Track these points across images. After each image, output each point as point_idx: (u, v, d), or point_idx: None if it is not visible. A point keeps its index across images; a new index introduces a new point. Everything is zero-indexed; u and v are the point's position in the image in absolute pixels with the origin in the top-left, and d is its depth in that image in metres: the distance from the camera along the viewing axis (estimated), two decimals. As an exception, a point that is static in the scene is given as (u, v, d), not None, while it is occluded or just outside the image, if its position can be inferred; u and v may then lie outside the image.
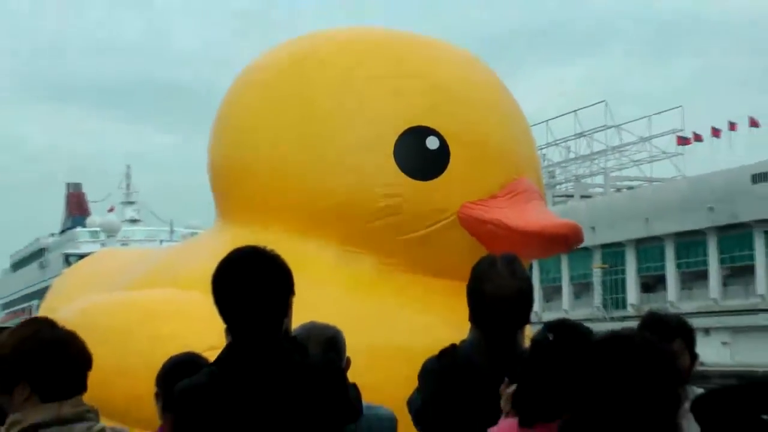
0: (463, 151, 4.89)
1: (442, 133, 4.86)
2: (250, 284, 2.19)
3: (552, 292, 46.86)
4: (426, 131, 4.86)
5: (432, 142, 4.85)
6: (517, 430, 2.30)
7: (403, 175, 4.81)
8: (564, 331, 2.38)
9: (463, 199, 4.83)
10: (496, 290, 2.67)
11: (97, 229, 51.61)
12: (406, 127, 4.87)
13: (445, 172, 4.84)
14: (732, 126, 46.65)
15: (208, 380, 2.18)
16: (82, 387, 2.32)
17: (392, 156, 4.82)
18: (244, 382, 2.14)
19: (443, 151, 4.85)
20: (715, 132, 46.93)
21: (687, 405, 2.12)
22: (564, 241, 4.95)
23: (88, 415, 2.30)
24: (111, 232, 48.98)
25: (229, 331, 2.27)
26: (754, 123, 46.07)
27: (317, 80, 5.15)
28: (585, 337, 2.30)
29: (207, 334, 3.20)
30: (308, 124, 4.99)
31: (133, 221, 55.17)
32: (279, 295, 2.23)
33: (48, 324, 2.40)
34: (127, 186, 59.33)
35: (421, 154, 4.85)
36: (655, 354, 1.81)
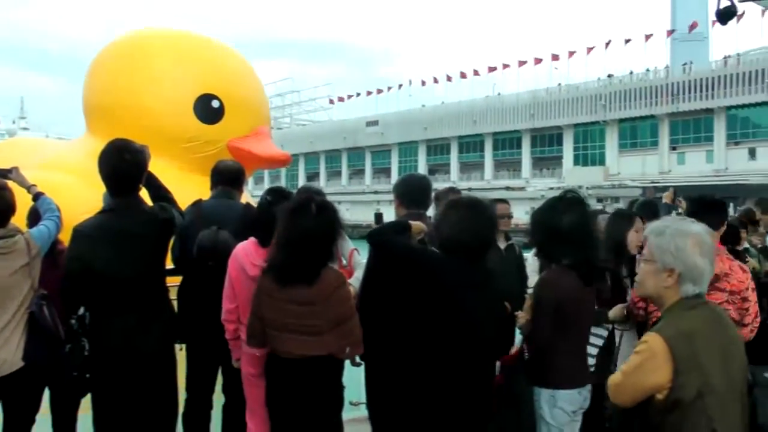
0: (231, 109, 8.58)
1: (221, 97, 8.55)
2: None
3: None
4: (212, 96, 8.54)
5: (215, 103, 8.54)
6: (258, 247, 3.23)
7: (198, 122, 8.40)
8: (278, 192, 3.41)
9: (231, 136, 8.50)
10: (225, 168, 3.99)
11: (4, 132, 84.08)
12: (199, 93, 8.48)
13: (221, 121, 8.50)
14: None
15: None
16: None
17: (192, 111, 8.41)
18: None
19: (221, 108, 8.55)
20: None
21: None
22: (282, 163, 9.25)
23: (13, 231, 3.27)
24: (11, 134, 76.43)
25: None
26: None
27: (149, 60, 8.44)
28: (290, 196, 3.33)
29: (77, 205, 5.64)
30: (145, 87, 8.26)
31: (24, 129, 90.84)
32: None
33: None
34: (21, 109, 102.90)
35: (208, 110, 8.46)
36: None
